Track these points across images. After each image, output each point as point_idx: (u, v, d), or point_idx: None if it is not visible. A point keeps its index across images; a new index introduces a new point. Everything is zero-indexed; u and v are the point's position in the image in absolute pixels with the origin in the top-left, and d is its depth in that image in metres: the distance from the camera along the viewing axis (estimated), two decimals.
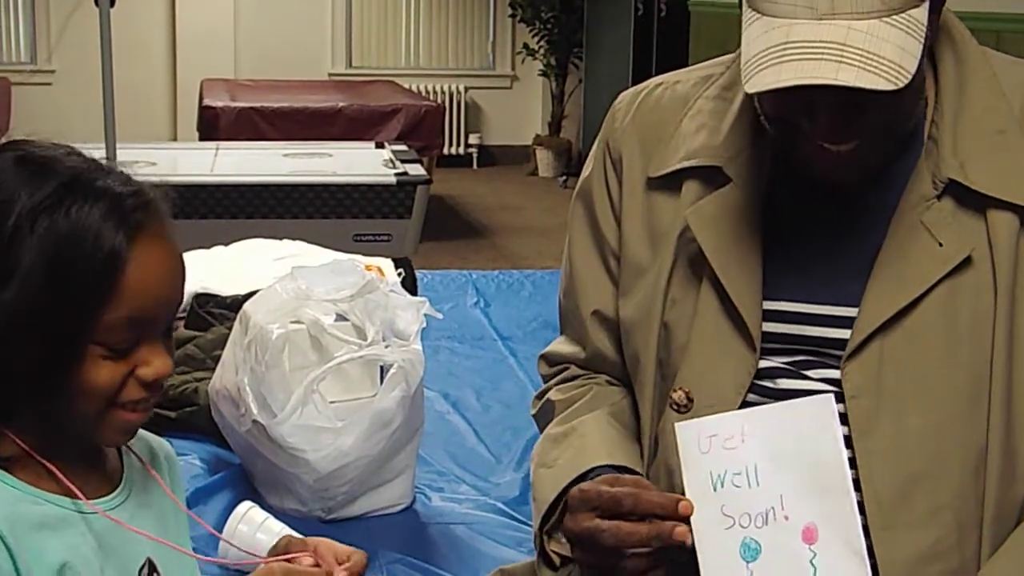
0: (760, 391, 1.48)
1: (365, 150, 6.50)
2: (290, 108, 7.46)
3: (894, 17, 1.31)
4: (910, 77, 1.31)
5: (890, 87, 1.30)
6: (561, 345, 1.72)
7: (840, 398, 1.41)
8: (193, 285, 3.66)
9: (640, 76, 6.64)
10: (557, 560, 1.52)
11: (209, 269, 3.92)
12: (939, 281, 1.41)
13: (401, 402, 2.75)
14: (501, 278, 5.50)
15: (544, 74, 9.71)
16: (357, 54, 10.10)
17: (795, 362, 1.49)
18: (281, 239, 4.39)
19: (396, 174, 5.65)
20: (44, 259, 1.18)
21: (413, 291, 4.53)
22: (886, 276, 1.43)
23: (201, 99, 7.73)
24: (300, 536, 1.47)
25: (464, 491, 3.19)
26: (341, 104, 7.56)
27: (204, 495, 2.91)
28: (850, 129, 1.38)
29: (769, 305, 1.48)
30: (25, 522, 1.22)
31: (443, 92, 9.98)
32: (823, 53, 1.30)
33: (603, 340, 1.65)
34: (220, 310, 3.77)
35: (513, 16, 9.68)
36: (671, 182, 1.55)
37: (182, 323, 3.64)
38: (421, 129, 7.49)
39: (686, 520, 1.37)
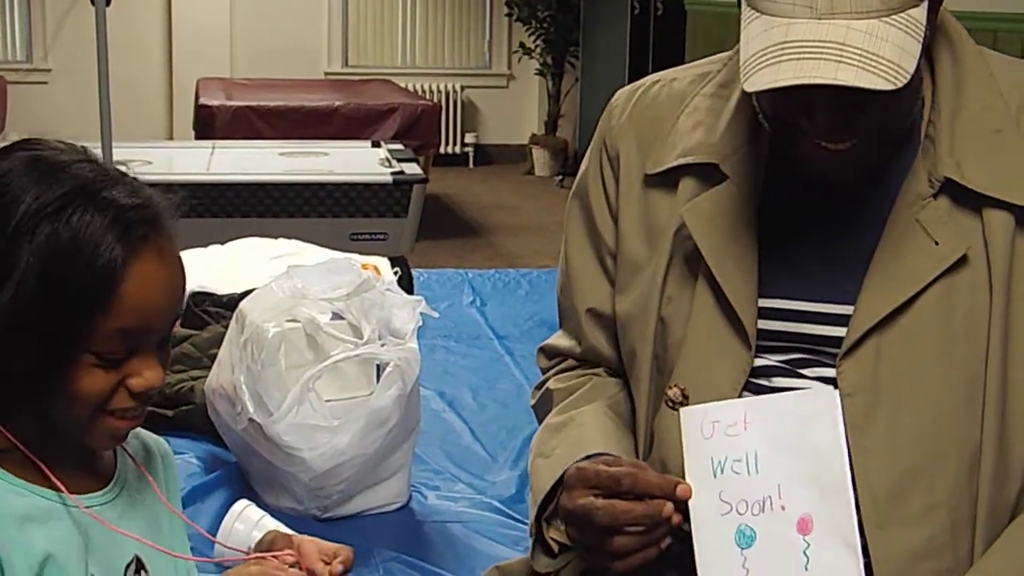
0: (755, 389, 1.48)
1: (361, 149, 6.50)
2: (286, 107, 7.46)
3: (893, 17, 1.31)
4: (909, 77, 1.31)
5: (889, 87, 1.30)
6: (559, 339, 1.72)
7: None
8: (189, 284, 3.66)
9: (636, 75, 6.63)
10: (556, 547, 1.52)
11: (205, 268, 3.92)
12: (935, 280, 1.41)
13: (397, 401, 2.76)
14: (497, 277, 5.51)
15: (540, 73, 9.71)
16: (353, 53, 10.10)
17: (791, 360, 1.49)
18: (277, 238, 4.39)
19: (392, 173, 5.65)
20: (40, 264, 1.19)
21: (409, 290, 4.54)
22: (882, 274, 1.43)
23: (197, 98, 7.73)
24: (291, 532, 1.47)
25: (460, 489, 3.20)
26: (337, 103, 7.55)
27: (200, 493, 2.92)
28: (848, 128, 1.39)
29: (765, 303, 1.49)
30: (10, 514, 1.23)
31: (439, 91, 9.98)
32: (822, 53, 1.30)
33: (598, 337, 1.65)
34: (216, 309, 3.77)
35: (509, 15, 9.67)
36: (668, 179, 1.56)
37: (178, 321, 3.64)
38: (417, 128, 7.48)
39: (684, 503, 1.37)
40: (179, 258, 1.29)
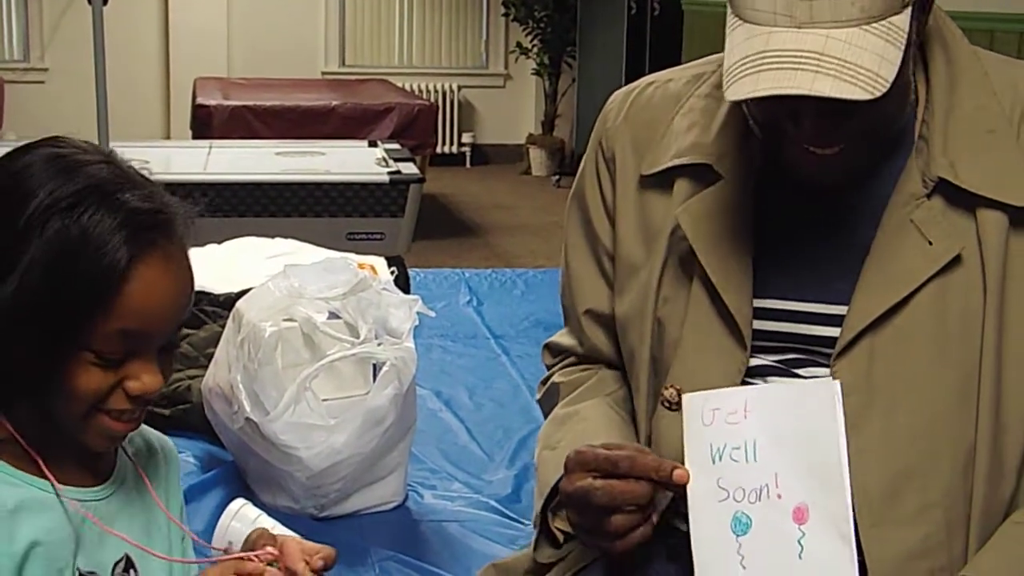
0: None
1: (358, 149, 6.50)
2: (283, 107, 7.45)
3: (873, 25, 1.31)
4: (888, 86, 1.30)
5: (867, 96, 1.29)
6: (563, 337, 1.74)
7: None
8: None
9: (633, 75, 6.64)
10: (561, 537, 1.53)
11: (202, 267, 3.91)
12: (929, 279, 1.41)
13: (394, 400, 2.76)
14: (494, 277, 5.51)
15: (537, 73, 9.71)
16: (350, 53, 10.10)
17: (785, 360, 1.49)
18: (274, 237, 4.40)
19: (389, 173, 5.65)
20: (46, 258, 1.20)
21: (406, 289, 4.54)
22: (876, 274, 1.44)
23: (194, 97, 7.72)
24: (290, 532, 1.47)
25: (456, 489, 3.20)
26: (334, 103, 7.55)
27: (197, 492, 2.92)
28: (834, 134, 1.39)
29: (759, 303, 1.49)
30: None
31: (436, 91, 9.97)
32: (800, 63, 1.30)
33: (599, 336, 1.66)
34: (213, 308, 3.78)
35: (506, 15, 9.67)
36: (663, 180, 1.56)
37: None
38: (414, 128, 7.48)
39: (680, 488, 1.38)
40: (188, 267, 1.30)
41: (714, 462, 1.38)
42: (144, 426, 1.40)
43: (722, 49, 1.58)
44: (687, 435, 1.41)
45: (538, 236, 7.22)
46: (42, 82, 9.40)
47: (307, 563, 1.35)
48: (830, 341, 1.45)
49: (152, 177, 1.31)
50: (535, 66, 9.66)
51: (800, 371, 1.48)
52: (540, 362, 1.80)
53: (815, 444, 1.36)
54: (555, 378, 1.71)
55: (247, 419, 2.74)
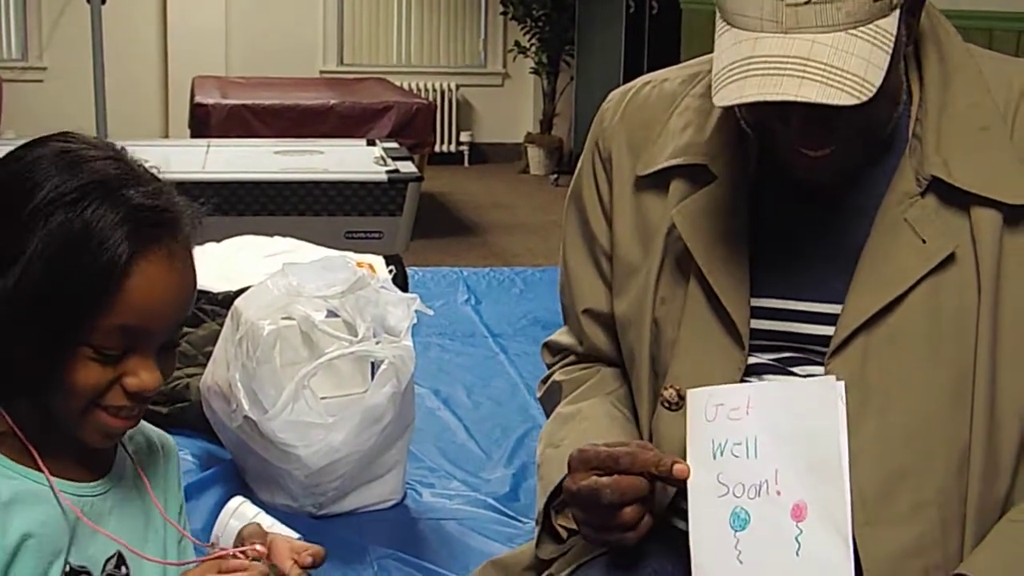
0: None
1: (356, 147, 6.49)
2: (281, 105, 7.45)
3: (860, 29, 1.31)
4: (874, 91, 1.30)
5: (853, 101, 1.29)
6: (562, 336, 1.74)
7: None
8: None
9: (632, 74, 6.65)
10: (565, 534, 1.54)
11: (201, 265, 3.92)
12: (922, 278, 1.42)
13: (392, 398, 2.76)
14: (492, 275, 5.52)
15: (536, 72, 9.71)
16: (349, 51, 10.09)
17: (781, 359, 1.50)
18: (272, 236, 4.39)
19: (387, 171, 5.65)
20: (48, 251, 1.21)
21: (404, 288, 4.55)
22: (870, 273, 1.44)
23: (192, 96, 7.72)
24: (289, 531, 1.48)
25: (454, 487, 3.20)
26: (332, 101, 7.55)
27: (196, 490, 2.92)
28: (825, 136, 1.39)
29: (755, 302, 1.49)
30: None
31: (434, 90, 9.97)
32: (786, 68, 1.30)
33: (598, 335, 1.67)
34: (212, 306, 3.78)
35: (505, 14, 9.66)
36: (659, 180, 1.56)
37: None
38: (412, 126, 7.47)
39: (680, 483, 1.39)
40: (192, 266, 1.31)
41: (715, 457, 1.39)
42: (144, 423, 1.40)
43: None
44: (690, 430, 1.41)
45: (536, 235, 7.22)
46: (41, 81, 9.40)
47: (295, 561, 1.35)
48: (825, 340, 1.45)
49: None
50: (533, 65, 9.66)
51: (795, 369, 1.48)
52: (538, 361, 1.81)
53: (816, 443, 1.36)
54: (556, 376, 1.71)
55: (245, 417, 2.74)
